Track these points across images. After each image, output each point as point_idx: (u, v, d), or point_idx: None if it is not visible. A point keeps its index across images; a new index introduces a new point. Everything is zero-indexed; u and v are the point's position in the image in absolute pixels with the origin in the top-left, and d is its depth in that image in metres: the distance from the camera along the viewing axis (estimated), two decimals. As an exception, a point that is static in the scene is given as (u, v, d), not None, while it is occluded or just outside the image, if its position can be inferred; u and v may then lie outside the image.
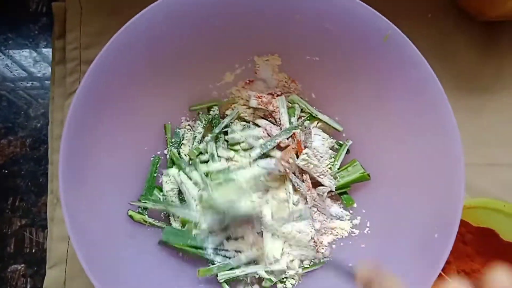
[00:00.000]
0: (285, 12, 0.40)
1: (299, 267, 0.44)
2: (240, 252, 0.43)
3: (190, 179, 0.44)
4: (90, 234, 0.36)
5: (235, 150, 0.46)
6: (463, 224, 0.46)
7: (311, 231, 0.44)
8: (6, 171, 0.51)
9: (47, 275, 0.48)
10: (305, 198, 0.44)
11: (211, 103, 0.47)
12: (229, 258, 0.43)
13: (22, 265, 0.49)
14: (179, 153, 0.46)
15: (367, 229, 0.44)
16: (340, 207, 0.47)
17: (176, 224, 0.44)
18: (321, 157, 0.45)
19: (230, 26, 0.42)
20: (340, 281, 0.36)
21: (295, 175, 0.44)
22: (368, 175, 0.44)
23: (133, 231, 0.42)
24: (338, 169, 0.46)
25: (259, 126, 0.47)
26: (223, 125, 0.46)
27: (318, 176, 0.45)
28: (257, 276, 0.43)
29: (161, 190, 0.45)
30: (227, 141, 0.47)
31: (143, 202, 0.43)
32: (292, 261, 0.43)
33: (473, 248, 0.47)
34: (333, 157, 0.47)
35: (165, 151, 0.46)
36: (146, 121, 0.44)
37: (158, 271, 0.41)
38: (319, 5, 0.39)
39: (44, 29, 0.55)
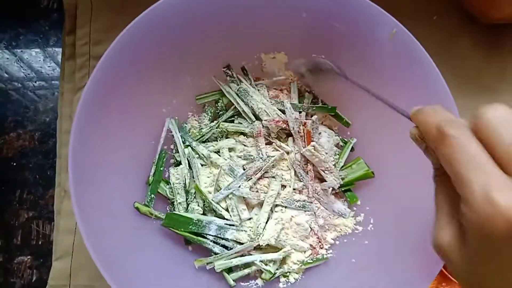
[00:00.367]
0: (292, 10, 0.41)
1: (301, 263, 0.44)
2: (239, 243, 0.43)
3: (197, 153, 0.46)
4: (98, 225, 0.37)
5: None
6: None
7: (310, 226, 0.44)
8: (14, 164, 0.52)
9: (53, 267, 0.48)
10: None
11: (217, 95, 0.48)
12: (228, 248, 0.43)
13: (29, 256, 0.50)
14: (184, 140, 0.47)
15: (371, 225, 0.44)
16: (344, 204, 0.47)
17: (181, 209, 0.44)
18: (326, 153, 0.46)
19: (236, 23, 0.42)
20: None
21: (299, 165, 0.45)
22: (372, 172, 0.45)
23: (139, 223, 0.42)
24: (342, 166, 0.47)
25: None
26: (229, 114, 0.47)
27: (323, 171, 0.45)
28: (257, 269, 0.43)
29: (167, 183, 0.45)
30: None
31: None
32: (288, 251, 0.44)
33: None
34: (338, 154, 0.47)
35: (172, 146, 0.47)
36: (153, 116, 0.45)
37: (163, 263, 0.41)
38: (325, 2, 0.40)
39: (54, 25, 0.56)
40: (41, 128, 0.53)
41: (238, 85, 0.47)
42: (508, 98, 0.54)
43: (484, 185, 0.20)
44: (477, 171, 0.21)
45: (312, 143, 0.44)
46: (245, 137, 0.47)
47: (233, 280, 0.42)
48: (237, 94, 0.47)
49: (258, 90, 0.48)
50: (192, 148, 0.46)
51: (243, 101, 0.47)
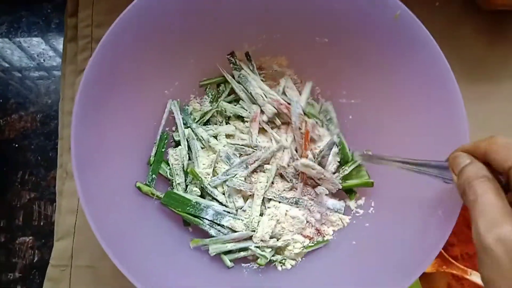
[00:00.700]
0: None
1: (300, 247, 0.44)
2: (234, 230, 0.43)
3: (196, 135, 0.46)
4: (101, 204, 0.37)
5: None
6: (468, 208, 0.47)
7: (307, 219, 0.44)
8: (16, 145, 0.52)
9: (55, 247, 0.49)
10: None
11: (220, 79, 0.48)
12: (223, 234, 0.43)
13: (30, 237, 0.50)
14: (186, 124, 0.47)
15: (372, 208, 0.45)
16: (337, 199, 0.47)
17: (180, 189, 0.44)
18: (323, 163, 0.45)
19: (240, 3, 0.42)
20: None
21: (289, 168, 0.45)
22: (372, 183, 0.45)
23: (141, 202, 0.42)
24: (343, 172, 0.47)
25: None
26: (229, 96, 0.47)
27: (318, 180, 0.45)
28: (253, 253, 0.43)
29: (168, 164, 0.45)
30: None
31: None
32: (284, 244, 0.44)
33: (476, 232, 0.47)
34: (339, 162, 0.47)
35: (174, 128, 0.47)
36: (155, 97, 0.45)
37: (164, 242, 0.42)
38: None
39: (56, 8, 0.56)
40: (43, 110, 0.53)
41: (239, 72, 0.47)
42: (510, 84, 0.54)
43: None
44: None
45: (305, 162, 0.43)
46: (245, 124, 0.47)
47: (231, 261, 0.42)
48: (238, 82, 0.47)
49: (262, 80, 0.48)
50: (192, 130, 0.46)
51: (243, 87, 0.47)
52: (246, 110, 0.47)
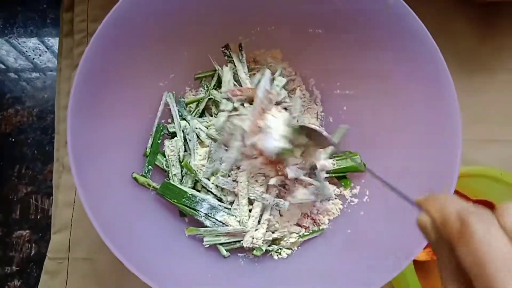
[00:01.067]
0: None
1: (296, 236, 0.45)
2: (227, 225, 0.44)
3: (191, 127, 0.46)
4: (98, 195, 0.37)
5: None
6: (462, 197, 0.47)
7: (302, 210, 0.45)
8: (13, 140, 0.53)
9: (52, 240, 0.49)
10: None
11: (215, 72, 0.48)
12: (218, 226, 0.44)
13: (27, 231, 0.50)
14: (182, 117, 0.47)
15: (366, 197, 0.45)
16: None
17: (176, 180, 0.45)
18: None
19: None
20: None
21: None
22: (364, 164, 0.45)
23: (138, 194, 0.43)
24: (336, 156, 0.47)
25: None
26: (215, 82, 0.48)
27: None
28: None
29: (164, 156, 0.46)
30: None
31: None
32: (280, 236, 0.45)
33: (470, 220, 0.48)
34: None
35: (169, 120, 0.47)
36: (151, 89, 0.45)
37: (161, 232, 0.42)
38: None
39: (52, 3, 0.56)
40: (39, 104, 0.53)
41: (235, 66, 0.47)
42: (504, 77, 0.54)
43: None
44: None
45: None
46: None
47: (227, 251, 0.43)
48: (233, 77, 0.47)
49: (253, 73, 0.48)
50: (187, 121, 0.46)
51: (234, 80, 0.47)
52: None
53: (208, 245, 0.42)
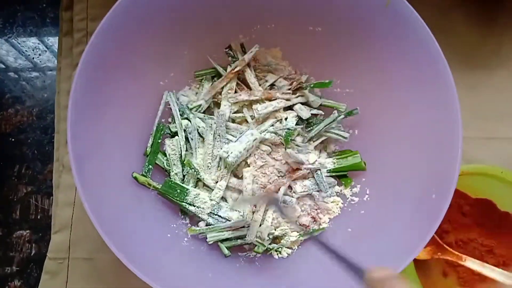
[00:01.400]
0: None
1: (296, 235, 0.45)
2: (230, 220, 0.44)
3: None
4: (99, 194, 0.37)
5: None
6: (462, 196, 0.47)
7: (302, 208, 0.45)
8: (13, 140, 0.52)
9: (52, 240, 0.49)
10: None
11: (215, 71, 0.48)
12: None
13: (28, 231, 0.50)
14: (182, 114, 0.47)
15: (367, 196, 0.45)
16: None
17: (177, 179, 0.45)
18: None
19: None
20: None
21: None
22: (364, 163, 0.45)
23: (138, 193, 0.42)
24: (336, 154, 0.48)
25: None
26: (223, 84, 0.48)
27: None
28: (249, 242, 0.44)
29: (165, 155, 0.46)
30: None
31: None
32: (281, 234, 0.44)
33: (471, 219, 0.48)
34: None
35: (170, 119, 0.47)
36: (151, 88, 0.45)
37: (161, 231, 0.42)
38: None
39: (52, 2, 0.56)
40: (39, 104, 0.53)
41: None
42: (504, 74, 0.54)
43: None
44: None
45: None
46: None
47: (228, 249, 0.43)
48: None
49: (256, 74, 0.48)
50: (189, 120, 0.46)
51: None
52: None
53: (212, 242, 0.42)
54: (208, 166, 0.45)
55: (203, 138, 0.46)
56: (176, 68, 0.46)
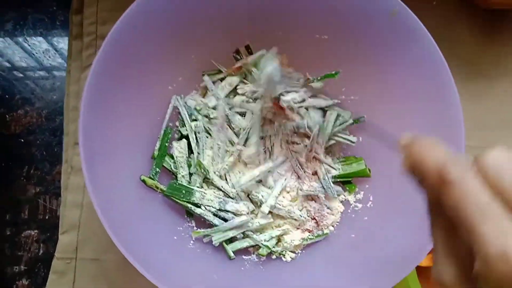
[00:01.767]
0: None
1: (298, 241, 0.45)
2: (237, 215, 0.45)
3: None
4: (108, 195, 0.38)
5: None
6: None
7: (307, 209, 0.46)
8: (22, 140, 0.53)
9: (60, 240, 0.49)
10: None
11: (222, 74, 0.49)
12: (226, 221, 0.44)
13: (36, 230, 0.51)
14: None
15: (370, 202, 0.46)
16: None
17: (184, 181, 0.46)
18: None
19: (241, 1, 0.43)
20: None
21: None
22: (369, 169, 0.46)
23: (146, 195, 0.43)
24: (343, 161, 0.48)
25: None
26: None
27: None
28: (254, 244, 0.44)
29: (172, 158, 0.46)
30: None
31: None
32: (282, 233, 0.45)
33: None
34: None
35: (177, 123, 0.48)
36: (160, 93, 0.46)
37: (168, 234, 0.42)
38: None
39: (62, 5, 0.57)
40: (48, 105, 0.54)
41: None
42: (506, 84, 0.55)
43: (502, 245, 0.17)
44: (493, 226, 0.18)
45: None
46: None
47: (233, 252, 0.43)
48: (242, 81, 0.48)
49: None
50: (197, 120, 0.47)
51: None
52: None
53: (217, 243, 0.43)
54: (218, 155, 0.46)
55: (211, 135, 0.47)
56: (184, 73, 0.47)
